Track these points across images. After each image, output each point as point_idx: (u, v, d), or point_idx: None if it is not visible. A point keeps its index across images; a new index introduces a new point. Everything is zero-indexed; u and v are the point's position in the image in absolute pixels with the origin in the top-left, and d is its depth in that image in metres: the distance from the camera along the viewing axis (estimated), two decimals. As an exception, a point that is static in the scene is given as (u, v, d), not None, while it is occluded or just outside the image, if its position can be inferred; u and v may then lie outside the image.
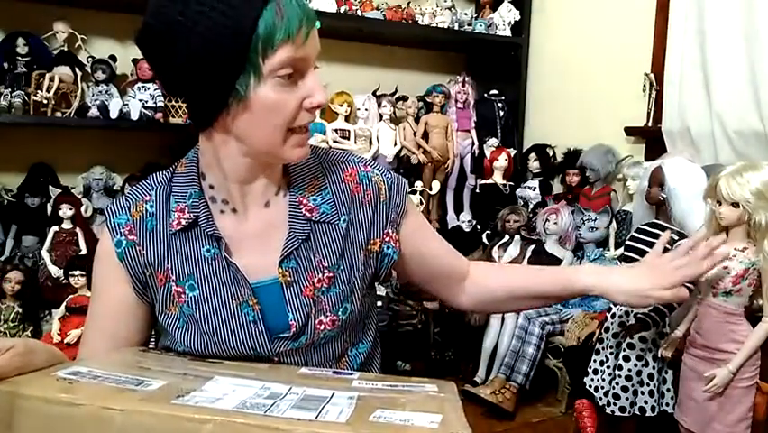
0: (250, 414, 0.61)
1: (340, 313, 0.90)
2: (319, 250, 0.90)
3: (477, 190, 2.77)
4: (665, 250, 1.74)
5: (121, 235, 0.89)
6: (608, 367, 1.76)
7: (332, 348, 0.94)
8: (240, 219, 0.90)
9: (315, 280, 0.89)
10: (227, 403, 0.63)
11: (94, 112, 2.15)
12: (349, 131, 2.52)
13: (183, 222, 0.88)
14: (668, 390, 1.70)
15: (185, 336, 0.88)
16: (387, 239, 0.95)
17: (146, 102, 2.23)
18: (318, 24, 0.80)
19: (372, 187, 0.95)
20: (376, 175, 0.96)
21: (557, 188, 2.71)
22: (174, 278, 0.88)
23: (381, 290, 2.32)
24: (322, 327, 0.89)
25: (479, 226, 2.75)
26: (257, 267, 0.88)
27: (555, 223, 2.38)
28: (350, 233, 0.92)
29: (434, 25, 2.70)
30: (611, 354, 1.76)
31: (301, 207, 0.90)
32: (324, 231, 0.91)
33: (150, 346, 0.98)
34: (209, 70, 0.77)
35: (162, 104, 2.24)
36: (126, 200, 0.92)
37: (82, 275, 1.98)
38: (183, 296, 0.88)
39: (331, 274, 0.90)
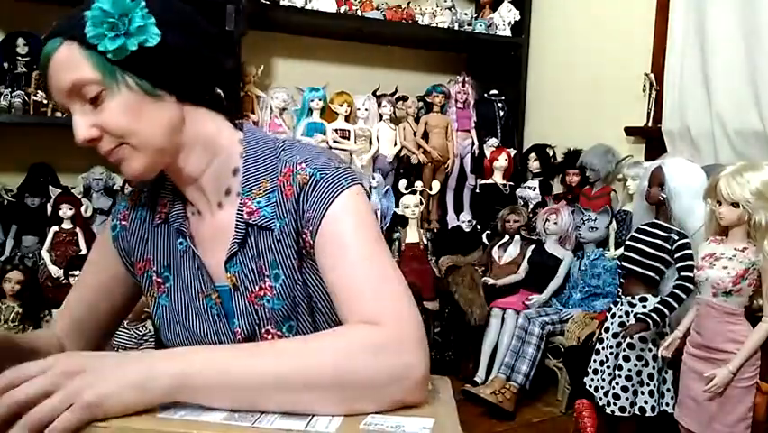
0: (237, 426, 0.60)
1: (284, 330, 0.85)
2: (259, 256, 0.84)
3: (477, 190, 2.78)
4: (665, 250, 1.76)
5: (117, 220, 0.93)
6: (608, 367, 1.76)
7: None
8: (200, 220, 0.88)
9: (257, 287, 0.84)
10: (214, 416, 0.61)
11: (94, 112, 2.15)
12: (349, 131, 2.51)
13: (162, 215, 0.89)
14: (668, 390, 1.70)
15: (165, 327, 0.90)
16: (302, 242, 0.83)
17: (146, 102, 2.23)
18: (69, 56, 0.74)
19: (295, 183, 0.82)
20: (308, 172, 0.82)
21: (557, 188, 2.71)
22: (155, 268, 0.90)
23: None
24: (270, 336, 0.85)
25: (479, 226, 2.75)
26: (215, 268, 0.86)
27: (555, 223, 2.38)
28: (281, 240, 0.83)
29: (434, 25, 2.70)
30: (611, 354, 1.76)
31: (244, 209, 0.83)
32: (262, 236, 0.84)
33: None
34: None
35: (162, 104, 2.24)
36: (133, 187, 0.96)
37: (82, 275, 1.98)
38: (162, 286, 0.90)
39: (271, 284, 0.84)
